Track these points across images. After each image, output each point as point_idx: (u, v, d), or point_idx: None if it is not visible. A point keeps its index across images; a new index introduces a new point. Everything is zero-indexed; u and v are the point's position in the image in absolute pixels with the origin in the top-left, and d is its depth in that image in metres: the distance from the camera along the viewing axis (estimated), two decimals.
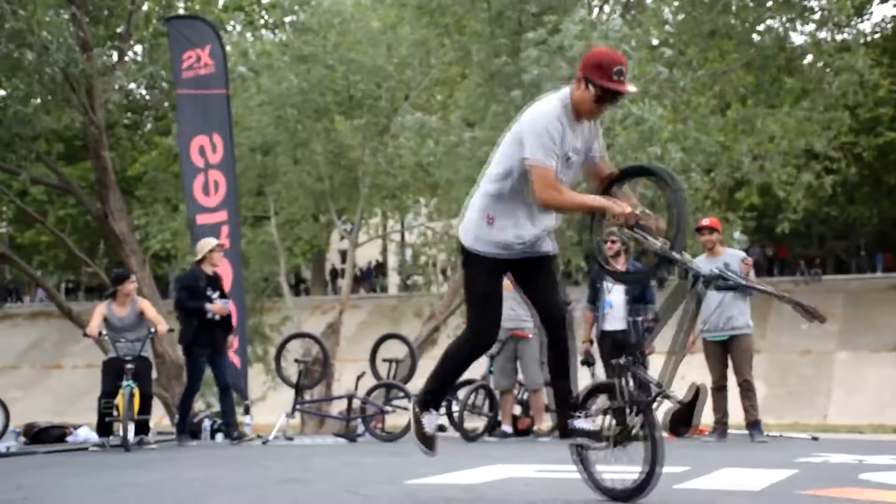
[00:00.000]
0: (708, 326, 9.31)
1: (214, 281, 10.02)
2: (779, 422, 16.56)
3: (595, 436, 4.68)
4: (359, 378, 10.75)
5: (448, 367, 4.86)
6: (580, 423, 4.69)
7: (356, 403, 10.15)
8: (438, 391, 4.94)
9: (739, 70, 18.67)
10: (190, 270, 10.31)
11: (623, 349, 9.54)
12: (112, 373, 9.48)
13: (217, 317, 9.87)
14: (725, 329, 9.23)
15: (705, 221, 9.74)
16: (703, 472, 5.93)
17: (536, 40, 15.10)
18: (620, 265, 9.77)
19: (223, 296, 10.02)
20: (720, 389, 9.30)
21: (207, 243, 10.14)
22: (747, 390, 9.17)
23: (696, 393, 4.78)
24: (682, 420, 4.74)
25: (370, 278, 45.05)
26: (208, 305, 9.77)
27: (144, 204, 25.29)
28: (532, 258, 4.70)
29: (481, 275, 4.68)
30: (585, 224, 4.82)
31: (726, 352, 9.28)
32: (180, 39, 12.50)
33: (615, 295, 9.67)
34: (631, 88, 4.49)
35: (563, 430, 4.78)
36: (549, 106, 4.51)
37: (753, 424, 9.18)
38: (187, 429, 10.72)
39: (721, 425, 9.29)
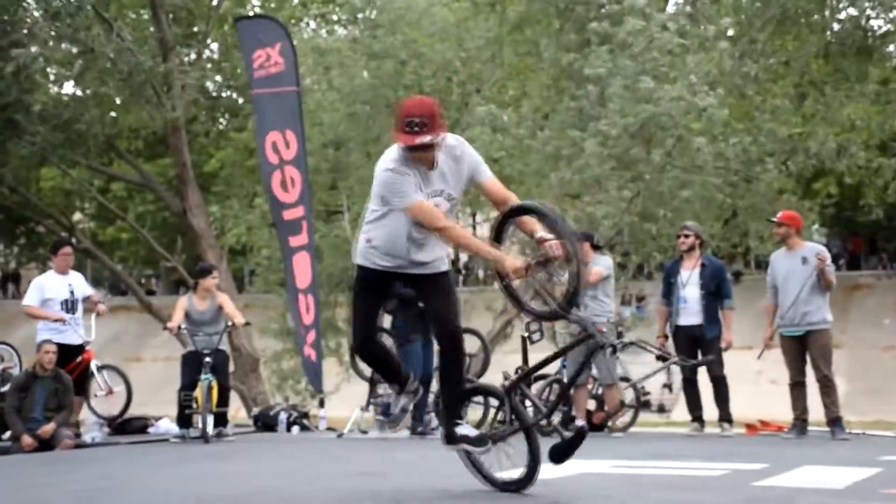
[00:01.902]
0: (784, 322, 9.14)
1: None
2: (861, 419, 16.15)
3: (478, 442, 4.87)
4: (434, 372, 10.79)
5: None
6: (462, 430, 4.88)
7: (430, 397, 10.19)
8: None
9: (814, 58, 18.22)
10: None
11: (698, 344, 9.47)
12: (191, 366, 9.67)
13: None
14: (802, 324, 9.05)
15: (778, 215, 9.58)
16: (783, 470, 5.83)
17: (600, 32, 15.03)
18: (694, 259, 9.64)
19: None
20: (798, 386, 9.12)
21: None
22: (827, 386, 8.97)
23: (579, 434, 4.91)
24: (563, 452, 4.88)
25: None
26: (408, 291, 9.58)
27: (220, 199, 25.73)
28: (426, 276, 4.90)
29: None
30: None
31: (804, 347, 9.10)
32: (250, 39, 12.67)
33: (689, 290, 9.55)
34: (420, 140, 4.57)
35: (449, 437, 4.92)
36: (389, 161, 4.70)
37: (834, 421, 8.98)
38: (265, 421, 10.91)
39: (800, 422, 9.11)
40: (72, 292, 9.92)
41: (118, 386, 10.12)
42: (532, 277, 4.60)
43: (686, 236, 9.69)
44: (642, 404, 11.16)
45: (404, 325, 9.59)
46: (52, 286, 9.89)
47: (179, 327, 9.77)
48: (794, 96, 17.94)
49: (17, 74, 16.89)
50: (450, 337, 4.85)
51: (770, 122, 16.39)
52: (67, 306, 9.86)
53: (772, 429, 9.89)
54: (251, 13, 20.74)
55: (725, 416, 9.46)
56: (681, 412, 13.85)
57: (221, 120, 33.12)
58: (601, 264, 9.88)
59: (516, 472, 4.87)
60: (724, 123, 15.37)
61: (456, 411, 4.94)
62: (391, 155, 4.73)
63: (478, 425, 5.07)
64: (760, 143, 15.97)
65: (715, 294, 9.51)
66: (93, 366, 10.04)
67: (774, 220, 9.48)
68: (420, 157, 4.67)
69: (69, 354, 9.76)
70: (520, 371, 5.18)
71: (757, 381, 23.88)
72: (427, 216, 4.65)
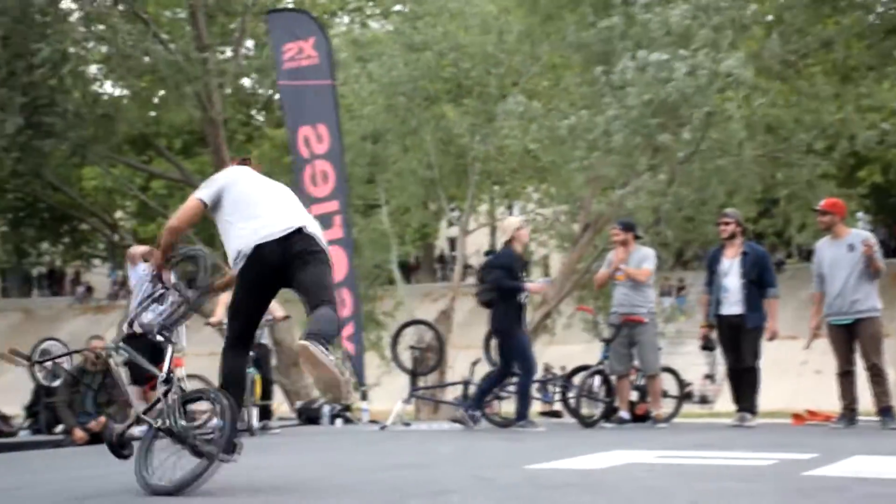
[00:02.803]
0: (832, 310, 9.01)
1: (522, 261, 9.67)
2: None
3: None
4: (474, 364, 10.81)
5: None
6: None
7: (472, 389, 10.21)
8: None
9: (855, 40, 17.89)
10: (503, 251, 9.67)
11: (739, 334, 9.35)
12: None
13: (527, 298, 9.51)
14: (850, 312, 8.92)
15: (822, 203, 9.44)
16: (833, 460, 5.75)
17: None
18: (735, 247, 9.51)
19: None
20: (846, 375, 9.00)
21: (512, 223, 9.71)
22: (877, 375, 8.84)
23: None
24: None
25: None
26: (528, 285, 9.42)
27: None
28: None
29: None
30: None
31: (852, 336, 8.97)
32: (281, 32, 12.68)
33: (730, 278, 9.43)
34: None
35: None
36: None
37: (885, 410, 8.85)
38: (308, 415, 10.97)
39: (849, 412, 8.99)
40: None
41: None
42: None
43: (726, 223, 9.58)
44: (685, 395, 11.07)
45: (504, 320, 9.36)
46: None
47: (221, 322, 9.84)
48: (834, 81, 17.68)
49: (55, 69, 17.00)
50: None
51: (811, 107, 16.16)
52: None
53: (819, 419, 9.78)
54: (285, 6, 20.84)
55: (748, 407, 9.28)
56: (724, 403, 13.79)
57: (258, 116, 33.36)
58: (643, 256, 9.82)
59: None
60: (751, 87, 15.10)
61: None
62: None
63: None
64: (802, 125, 15.77)
65: (757, 283, 9.37)
66: (182, 373, 10.21)
67: (818, 208, 9.34)
68: None
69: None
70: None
71: (801, 371, 23.64)
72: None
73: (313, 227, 5.15)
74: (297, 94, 12.43)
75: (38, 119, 17.61)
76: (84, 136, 18.83)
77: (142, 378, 10.16)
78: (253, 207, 5.06)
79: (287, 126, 13.15)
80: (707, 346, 9.73)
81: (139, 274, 9.72)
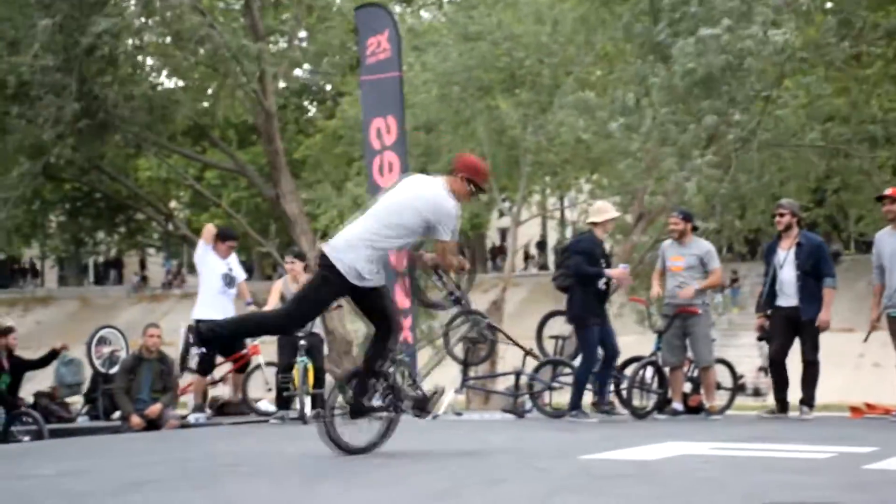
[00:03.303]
0: (892, 302, 8.82)
1: (604, 247, 9.44)
2: None
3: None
4: (526, 355, 10.78)
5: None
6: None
7: (524, 380, 10.19)
8: None
9: None
10: (586, 236, 9.46)
11: (795, 326, 9.20)
12: (287, 349, 9.85)
13: (609, 284, 9.27)
14: None
15: (888, 191, 9.22)
16: (893, 453, 5.65)
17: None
18: (791, 238, 9.36)
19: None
20: None
21: (605, 208, 9.42)
22: None
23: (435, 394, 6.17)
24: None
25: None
26: (608, 271, 9.15)
27: (310, 185, 26.10)
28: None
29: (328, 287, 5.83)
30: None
31: None
32: (366, 28, 12.84)
33: (786, 270, 9.27)
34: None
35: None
36: (445, 192, 5.89)
37: None
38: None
39: None
40: (231, 269, 10.65)
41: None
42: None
43: (781, 215, 9.41)
44: (738, 387, 10.94)
45: (580, 307, 9.15)
46: (216, 263, 10.57)
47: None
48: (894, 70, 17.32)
49: (111, 49, 17.13)
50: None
51: (866, 97, 15.83)
52: (226, 281, 10.50)
53: (878, 412, 9.59)
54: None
55: (807, 400, 9.11)
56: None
57: (310, 108, 33.59)
58: (706, 251, 9.71)
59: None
60: (798, 59, 14.81)
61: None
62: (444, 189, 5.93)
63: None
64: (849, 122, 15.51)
65: (812, 274, 9.19)
66: (260, 360, 10.44)
67: (885, 195, 9.10)
68: (466, 200, 6.15)
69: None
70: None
71: (859, 364, 23.23)
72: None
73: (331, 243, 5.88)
74: (374, 87, 12.57)
75: (95, 106, 17.83)
76: (140, 126, 19.09)
77: (210, 367, 10.39)
78: None
79: (363, 118, 13.30)
80: (763, 338, 9.60)
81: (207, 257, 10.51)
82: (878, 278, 8.99)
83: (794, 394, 9.21)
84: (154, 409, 9.75)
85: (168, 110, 19.76)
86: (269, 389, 10.44)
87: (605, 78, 20.03)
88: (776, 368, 9.35)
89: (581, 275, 9.08)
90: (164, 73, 21.89)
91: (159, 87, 21.58)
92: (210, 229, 10.96)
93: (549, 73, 19.04)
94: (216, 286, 10.42)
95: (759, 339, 9.68)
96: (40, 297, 46.88)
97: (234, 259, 10.86)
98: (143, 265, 49.68)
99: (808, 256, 9.16)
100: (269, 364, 10.41)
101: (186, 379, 10.64)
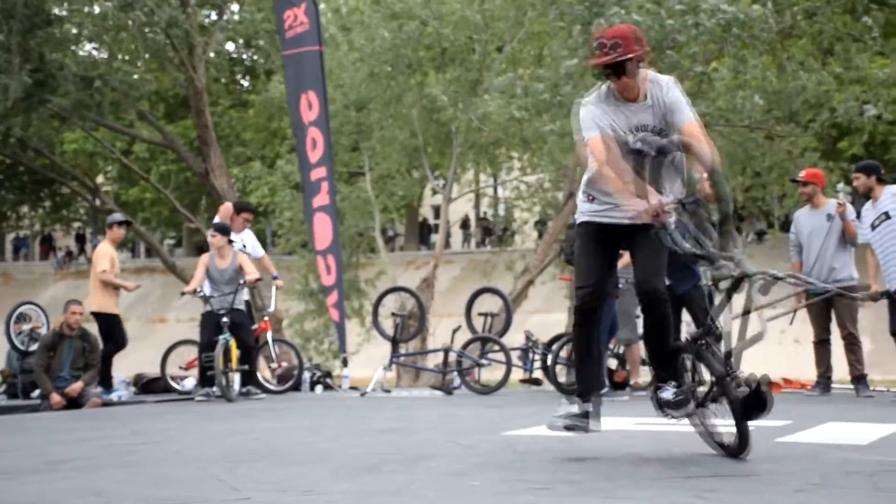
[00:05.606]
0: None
1: None
2: (885, 377, 16.11)
3: (677, 405, 4.71)
4: (454, 332, 10.84)
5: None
6: (664, 394, 4.74)
7: (452, 357, 10.25)
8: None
9: (839, 12, 17.81)
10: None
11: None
12: (208, 326, 9.74)
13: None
14: (828, 281, 8.94)
15: (802, 174, 9.49)
16: (807, 426, 5.84)
17: None
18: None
19: None
20: (822, 343, 9.08)
21: None
22: (852, 344, 8.93)
23: (760, 384, 4.69)
24: (754, 405, 4.62)
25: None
26: None
27: (240, 160, 25.80)
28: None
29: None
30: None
31: (829, 305, 9.01)
32: (281, 0, 12.65)
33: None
34: (603, 60, 4.42)
35: (657, 404, 4.82)
36: (588, 95, 4.66)
37: (859, 379, 8.95)
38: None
39: (825, 380, 9.08)
40: (244, 246, 10.65)
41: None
42: (681, 221, 4.46)
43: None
44: None
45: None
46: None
47: (195, 291, 9.75)
48: (818, 52, 17.65)
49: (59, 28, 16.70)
50: (644, 293, 4.66)
51: (796, 76, 16.09)
52: None
53: (794, 386, 9.88)
54: None
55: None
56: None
57: (242, 82, 33.12)
58: None
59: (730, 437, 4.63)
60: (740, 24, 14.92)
61: (658, 376, 4.81)
62: (593, 90, 4.63)
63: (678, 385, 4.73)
64: (781, 96, 15.74)
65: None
66: (268, 336, 10.33)
67: (798, 178, 9.37)
68: (623, 87, 4.50)
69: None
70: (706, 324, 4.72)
71: (781, 339, 23.81)
72: (593, 153, 4.47)
73: None
74: (295, 62, 12.42)
75: (41, 78, 17.35)
76: (82, 99, 18.57)
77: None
78: None
79: (288, 94, 13.14)
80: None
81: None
82: (796, 256, 9.23)
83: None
84: (75, 387, 9.57)
85: (93, 81, 19.27)
86: (275, 364, 10.62)
87: (536, 53, 20.07)
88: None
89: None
90: (91, 44, 21.38)
91: (89, 59, 21.06)
92: (228, 207, 11.02)
93: (478, 49, 19.05)
94: None
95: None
96: None
97: (248, 234, 10.96)
98: (81, 240, 48.51)
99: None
100: (188, 342, 10.30)
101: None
